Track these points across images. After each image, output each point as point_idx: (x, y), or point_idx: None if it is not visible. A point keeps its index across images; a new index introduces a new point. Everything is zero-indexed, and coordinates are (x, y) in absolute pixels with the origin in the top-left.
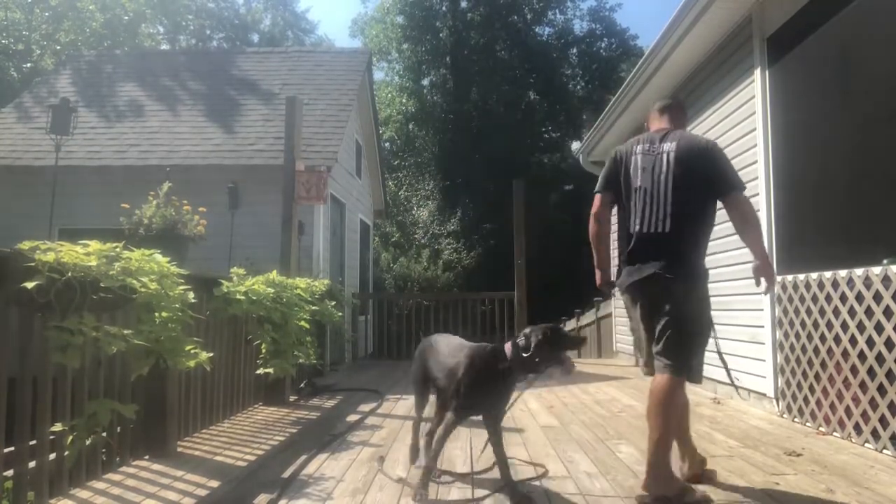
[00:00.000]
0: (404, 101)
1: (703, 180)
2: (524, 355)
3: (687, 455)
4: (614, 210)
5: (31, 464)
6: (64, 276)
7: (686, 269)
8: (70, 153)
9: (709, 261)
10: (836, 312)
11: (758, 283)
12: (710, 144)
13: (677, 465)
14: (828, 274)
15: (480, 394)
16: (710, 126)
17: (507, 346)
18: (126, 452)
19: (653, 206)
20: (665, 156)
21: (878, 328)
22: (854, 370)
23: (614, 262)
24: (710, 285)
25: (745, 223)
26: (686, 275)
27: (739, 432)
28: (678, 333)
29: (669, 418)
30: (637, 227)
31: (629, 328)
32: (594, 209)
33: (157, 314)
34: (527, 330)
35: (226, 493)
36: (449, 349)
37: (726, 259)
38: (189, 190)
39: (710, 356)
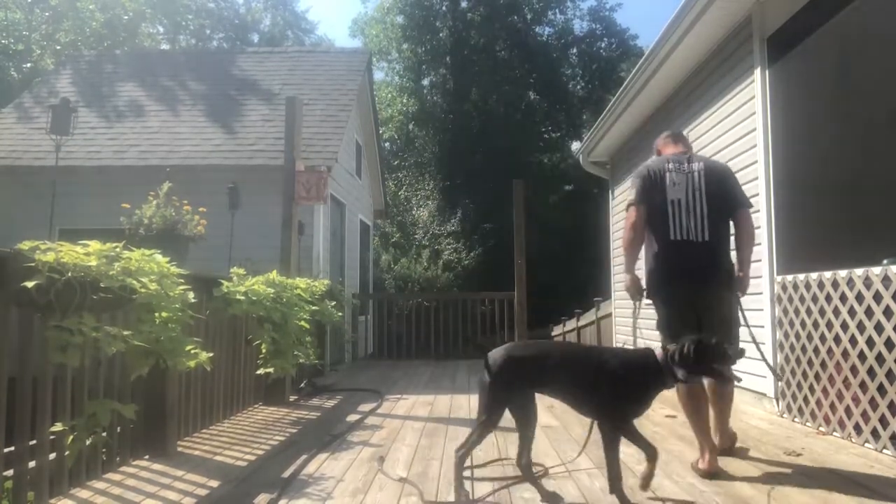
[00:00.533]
0: (404, 101)
1: (722, 196)
2: (679, 363)
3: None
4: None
5: (32, 464)
6: (64, 276)
7: (725, 272)
8: (70, 153)
9: None
10: (836, 312)
11: (733, 289)
12: (727, 167)
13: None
14: (828, 274)
15: (643, 403)
16: (710, 126)
17: (659, 354)
18: (126, 452)
19: (691, 217)
20: (696, 174)
21: (878, 328)
22: (854, 370)
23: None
24: None
25: (747, 238)
26: (726, 276)
27: (739, 432)
28: (725, 326)
29: (731, 395)
30: (677, 236)
31: (658, 326)
32: (632, 220)
33: (157, 314)
34: (684, 339)
35: (226, 493)
36: (583, 356)
37: None
38: (189, 190)
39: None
